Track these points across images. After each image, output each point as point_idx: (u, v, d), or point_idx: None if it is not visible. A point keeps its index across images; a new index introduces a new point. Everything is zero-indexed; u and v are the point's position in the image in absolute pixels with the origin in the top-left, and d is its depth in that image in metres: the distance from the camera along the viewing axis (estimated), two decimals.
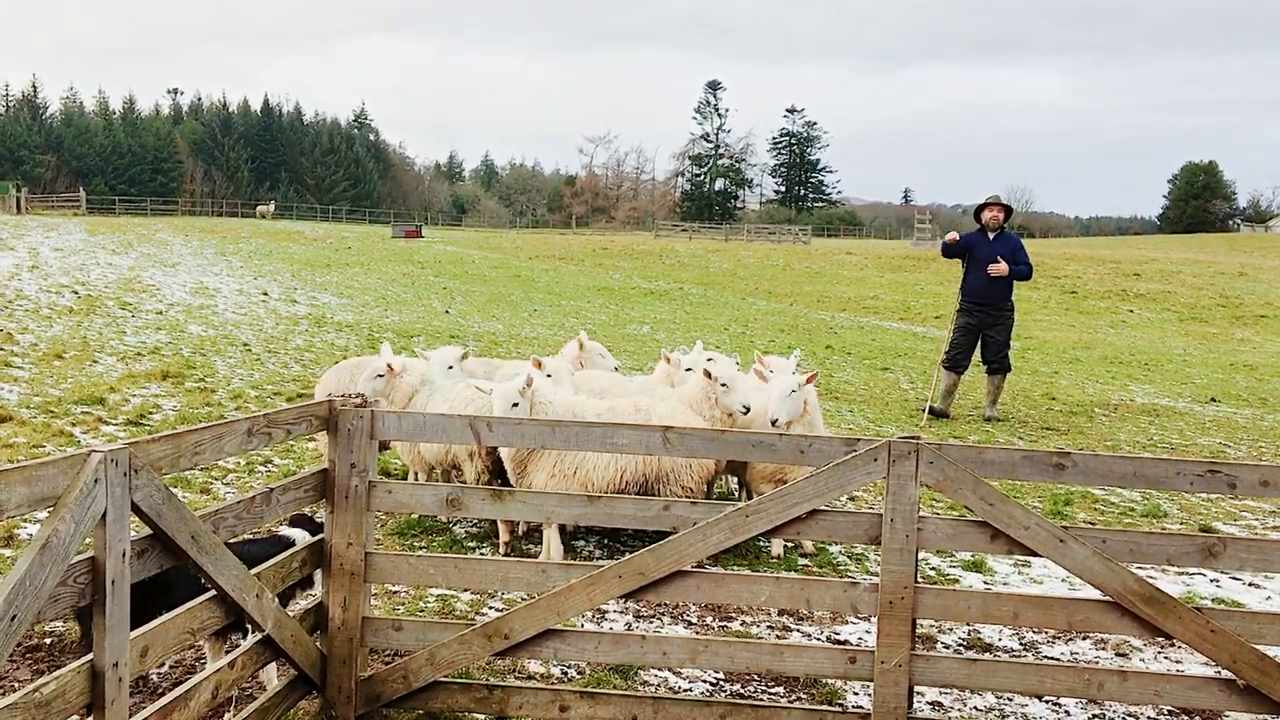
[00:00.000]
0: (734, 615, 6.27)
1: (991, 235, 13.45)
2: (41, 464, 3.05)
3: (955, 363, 13.64)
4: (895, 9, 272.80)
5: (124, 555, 3.36)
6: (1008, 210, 13.73)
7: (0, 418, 9.62)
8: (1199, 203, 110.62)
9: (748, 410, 7.31)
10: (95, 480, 3.19)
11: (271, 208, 76.42)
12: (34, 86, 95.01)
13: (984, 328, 13.50)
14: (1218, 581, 7.36)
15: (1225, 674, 4.31)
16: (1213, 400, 17.19)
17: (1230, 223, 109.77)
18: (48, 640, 5.32)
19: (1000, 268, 13.12)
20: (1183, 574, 7.41)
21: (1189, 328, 31.24)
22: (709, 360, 8.06)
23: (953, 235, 13.98)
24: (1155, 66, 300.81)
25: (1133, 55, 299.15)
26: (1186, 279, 41.07)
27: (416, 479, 8.19)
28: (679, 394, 7.80)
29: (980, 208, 13.78)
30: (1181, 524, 8.84)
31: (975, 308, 13.51)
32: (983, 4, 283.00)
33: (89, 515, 3.17)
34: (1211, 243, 70.16)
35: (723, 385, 7.40)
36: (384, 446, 8.78)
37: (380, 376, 7.74)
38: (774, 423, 7.08)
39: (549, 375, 8.02)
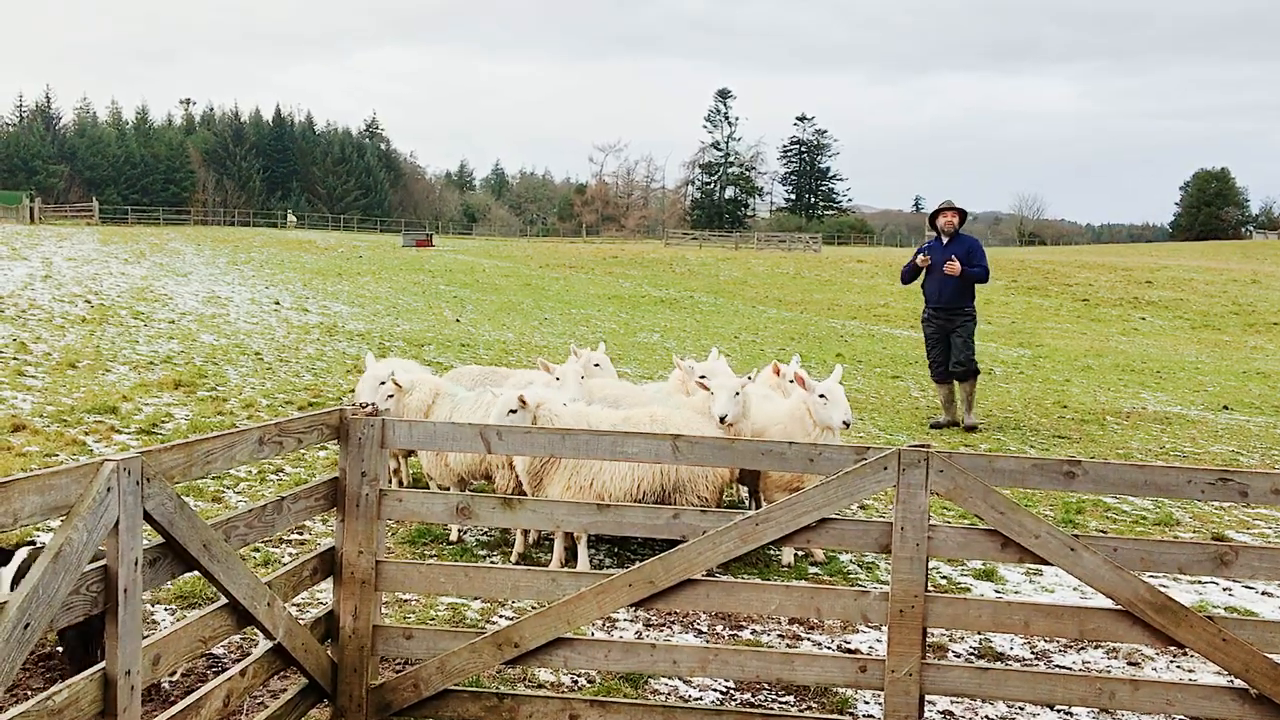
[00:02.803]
0: (744, 624, 6.26)
1: (946, 240, 13.27)
2: (55, 473, 3.07)
3: (938, 374, 13.50)
4: (906, 16, 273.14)
5: (136, 564, 3.37)
6: (962, 214, 13.50)
7: (14, 426, 9.68)
8: (1211, 210, 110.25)
9: (724, 419, 7.23)
10: (108, 489, 3.20)
11: (294, 219, 77.54)
12: (47, 97, 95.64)
13: (947, 332, 13.29)
14: (1230, 590, 7.32)
15: (1238, 683, 4.29)
16: (1225, 408, 17.12)
17: (1243, 230, 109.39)
18: (60, 648, 5.34)
19: (953, 266, 12.92)
20: (1195, 582, 7.38)
21: (1201, 335, 31.14)
22: (753, 376, 8.12)
23: (923, 257, 13.44)
24: (1166, 73, 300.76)
25: (1144, 61, 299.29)
26: (1199, 286, 40.94)
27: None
28: (692, 403, 7.79)
29: (935, 214, 13.60)
30: (1194, 532, 8.81)
31: (934, 314, 13.36)
32: (993, 11, 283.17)
33: (101, 524, 3.19)
34: (1224, 250, 69.94)
35: (712, 394, 7.38)
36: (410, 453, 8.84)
37: (391, 396, 7.75)
38: (847, 425, 7.30)
39: (557, 379, 8.04)
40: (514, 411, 6.67)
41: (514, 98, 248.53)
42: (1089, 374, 21.35)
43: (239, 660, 5.04)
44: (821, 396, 7.27)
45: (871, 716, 4.96)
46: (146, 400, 11.63)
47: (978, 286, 13.51)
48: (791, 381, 8.98)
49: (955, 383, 13.46)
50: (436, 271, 36.57)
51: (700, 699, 5.28)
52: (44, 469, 3.22)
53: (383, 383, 8.02)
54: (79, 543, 3.08)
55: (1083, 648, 6.16)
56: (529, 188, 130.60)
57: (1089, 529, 8.63)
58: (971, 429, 13.21)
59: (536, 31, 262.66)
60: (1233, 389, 19.92)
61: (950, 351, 13.32)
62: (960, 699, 5.27)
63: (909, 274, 13.75)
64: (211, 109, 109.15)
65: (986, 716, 5.22)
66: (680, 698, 5.27)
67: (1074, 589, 7.09)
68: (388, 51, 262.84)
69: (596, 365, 9.33)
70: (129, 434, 9.96)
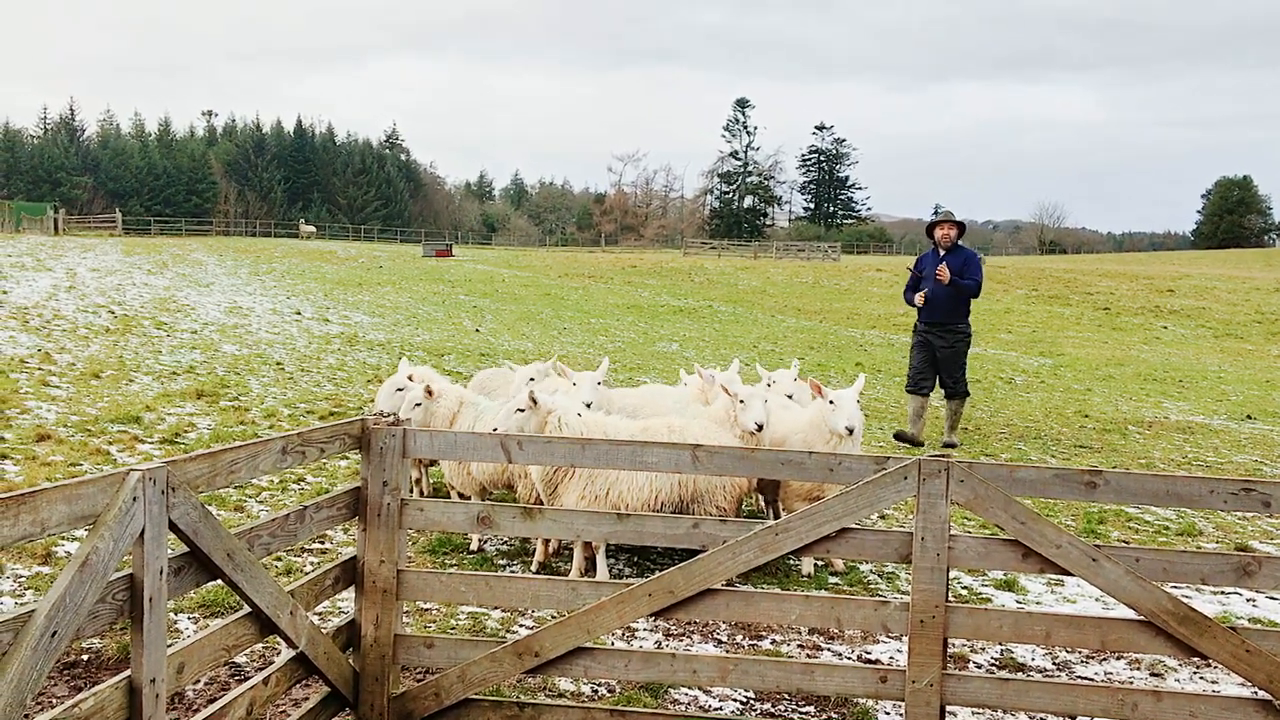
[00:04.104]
0: (764, 634, 6.25)
1: (943, 252, 12.87)
2: (81, 483, 3.10)
3: (916, 385, 13.11)
4: (924, 25, 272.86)
5: (161, 572, 3.40)
6: (960, 227, 13.09)
7: (38, 436, 9.76)
8: (1233, 218, 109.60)
9: (761, 428, 7.27)
10: (134, 499, 3.24)
11: (313, 229, 77.95)
12: (71, 109, 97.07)
13: (936, 348, 12.88)
14: (1254, 601, 7.27)
15: (1261, 694, 4.26)
16: (1249, 417, 16.99)
17: (1266, 238, 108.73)
18: (85, 656, 5.39)
19: (943, 272, 12.53)
20: (1218, 593, 7.33)
21: (1224, 344, 30.91)
22: (772, 383, 8.13)
23: (920, 298, 13.09)
24: (1186, 81, 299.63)
25: (1163, 69, 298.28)
26: (1221, 295, 40.66)
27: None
28: (710, 413, 7.80)
29: (932, 225, 13.21)
30: (1217, 543, 8.74)
31: (926, 327, 12.97)
32: (1011, 20, 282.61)
33: (128, 533, 3.22)
34: (1247, 258, 69.42)
35: (741, 402, 7.39)
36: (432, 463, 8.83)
37: (418, 405, 7.72)
38: (850, 431, 7.21)
39: (574, 384, 8.05)
40: (521, 411, 6.68)
41: (533, 108, 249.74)
42: (1110, 383, 21.23)
43: (262, 669, 5.08)
44: (830, 403, 7.31)
45: None
46: (169, 410, 11.72)
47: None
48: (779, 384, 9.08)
49: (924, 398, 13.03)
50: (456, 281, 36.70)
51: (720, 709, 5.27)
52: (70, 479, 3.26)
53: (400, 389, 8.02)
54: (106, 552, 3.12)
55: (1105, 659, 6.12)
56: (548, 198, 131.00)
57: (1111, 539, 8.58)
58: (949, 446, 12.72)
59: (555, 43, 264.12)
60: (1256, 398, 19.77)
61: (931, 367, 12.94)
62: (981, 710, 5.25)
63: (910, 293, 13.35)
64: (233, 120, 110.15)
65: None
66: (700, 708, 5.27)
67: (1096, 599, 7.05)
68: (407, 63, 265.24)
69: (575, 384, 8.24)
70: (152, 444, 10.03)
